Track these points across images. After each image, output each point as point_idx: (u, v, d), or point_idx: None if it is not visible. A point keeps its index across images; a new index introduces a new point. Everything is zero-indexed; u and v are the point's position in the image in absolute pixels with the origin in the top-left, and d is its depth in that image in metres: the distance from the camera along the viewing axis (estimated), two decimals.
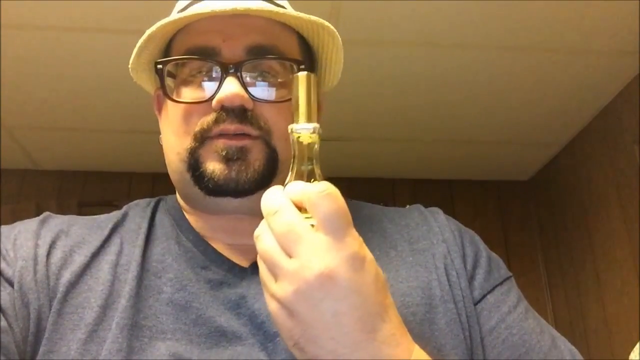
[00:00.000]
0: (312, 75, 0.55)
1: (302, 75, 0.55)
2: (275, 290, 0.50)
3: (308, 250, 0.49)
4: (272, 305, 0.51)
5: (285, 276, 0.49)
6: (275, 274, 0.51)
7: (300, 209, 0.52)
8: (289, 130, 0.55)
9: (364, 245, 0.52)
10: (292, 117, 0.55)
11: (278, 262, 0.50)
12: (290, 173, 0.55)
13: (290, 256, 0.50)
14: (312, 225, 0.50)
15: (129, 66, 0.74)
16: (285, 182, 0.54)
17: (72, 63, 2.09)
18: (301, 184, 0.53)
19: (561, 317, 2.74)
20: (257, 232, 0.53)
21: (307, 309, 0.49)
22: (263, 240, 0.52)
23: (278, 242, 0.51)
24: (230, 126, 0.67)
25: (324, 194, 0.50)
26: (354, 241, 0.51)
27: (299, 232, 0.50)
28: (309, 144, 0.54)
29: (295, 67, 0.70)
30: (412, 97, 2.36)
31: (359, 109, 2.44)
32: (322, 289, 0.48)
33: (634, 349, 1.69)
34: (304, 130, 0.54)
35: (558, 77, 2.23)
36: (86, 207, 2.73)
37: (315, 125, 0.54)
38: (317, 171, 0.54)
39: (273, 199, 0.52)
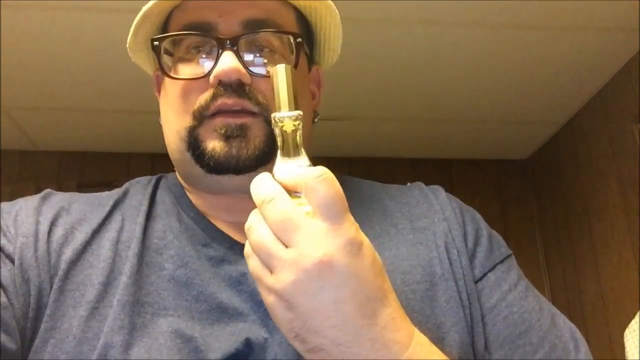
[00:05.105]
0: (290, 67, 0.55)
1: (280, 67, 0.55)
2: (272, 283, 0.49)
3: (306, 238, 0.48)
4: (270, 299, 0.50)
5: (283, 267, 0.49)
6: (271, 265, 0.50)
7: (290, 193, 0.51)
8: (272, 119, 0.55)
9: (360, 230, 0.52)
10: (274, 108, 0.55)
11: (275, 252, 0.49)
12: (277, 160, 0.55)
13: (286, 246, 0.49)
14: (307, 213, 0.50)
15: (127, 45, 0.74)
16: (274, 169, 0.54)
17: (70, 43, 2.08)
18: (293, 168, 0.53)
19: (558, 293, 2.76)
20: (248, 223, 0.52)
21: (306, 298, 0.48)
22: (257, 231, 0.51)
23: (274, 232, 0.50)
24: (229, 100, 0.66)
25: (321, 179, 0.50)
26: (351, 226, 0.50)
27: (296, 221, 0.49)
28: (292, 131, 0.54)
29: (292, 40, 0.69)
30: (411, 76, 2.35)
31: (358, 88, 2.43)
32: (321, 277, 0.48)
33: (630, 324, 1.70)
34: (287, 117, 0.54)
35: (557, 55, 2.22)
36: (86, 187, 2.74)
37: (299, 112, 0.54)
38: (304, 157, 0.54)
39: (265, 186, 0.52)
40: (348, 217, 0.50)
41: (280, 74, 0.55)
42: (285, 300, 0.49)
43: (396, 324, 0.51)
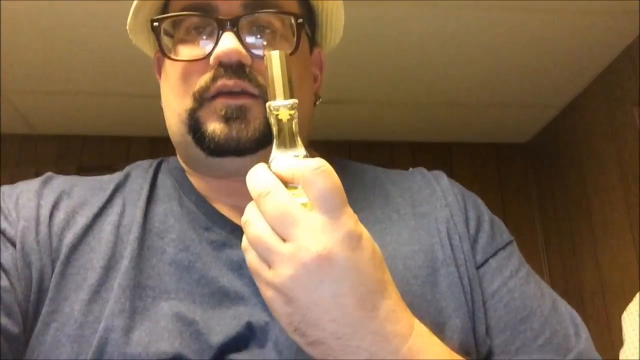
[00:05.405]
0: (285, 53, 0.55)
1: (274, 53, 0.54)
2: (271, 278, 0.49)
3: (304, 232, 0.48)
4: (268, 294, 0.50)
5: (282, 261, 0.48)
6: (269, 260, 0.49)
7: (287, 185, 0.51)
8: (267, 108, 0.54)
9: (359, 222, 0.51)
10: (269, 96, 0.54)
11: (273, 247, 0.49)
12: (273, 150, 0.54)
13: (284, 240, 0.49)
14: (303, 204, 0.50)
15: (127, 27, 0.73)
16: (270, 160, 0.53)
17: (69, 26, 2.07)
18: (289, 159, 0.52)
19: (557, 278, 2.77)
20: (245, 217, 0.52)
21: (305, 293, 0.48)
22: (254, 225, 0.50)
23: (271, 226, 0.49)
24: (229, 81, 0.65)
25: (319, 171, 0.49)
26: (350, 219, 0.50)
27: (294, 214, 0.49)
28: (288, 120, 0.54)
29: (293, 21, 0.69)
30: (411, 59, 2.35)
31: (358, 71, 2.42)
32: (320, 271, 0.48)
33: (627, 307, 1.71)
34: (283, 106, 0.53)
35: (558, 38, 2.21)
36: (85, 171, 2.74)
37: (294, 100, 0.54)
38: (300, 147, 0.54)
39: (261, 179, 0.51)
40: (347, 209, 0.50)
41: (275, 60, 0.54)
42: (284, 294, 0.49)
43: (396, 316, 0.51)
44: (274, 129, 0.54)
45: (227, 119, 0.66)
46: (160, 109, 0.75)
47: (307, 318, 0.49)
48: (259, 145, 0.66)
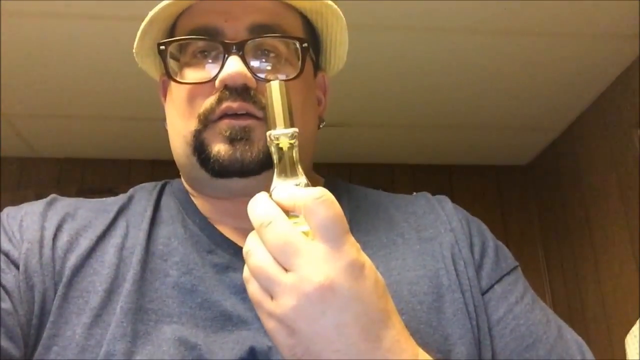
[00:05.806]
0: (284, 83, 0.55)
1: (274, 83, 0.55)
2: (273, 309, 0.48)
3: (306, 262, 0.47)
4: (270, 325, 0.49)
5: (284, 292, 0.48)
6: (271, 290, 0.49)
7: (288, 214, 0.50)
8: (267, 137, 0.54)
9: (361, 251, 0.51)
10: (269, 126, 0.54)
11: (275, 277, 0.48)
12: (274, 179, 0.54)
13: (286, 270, 0.48)
14: (305, 232, 0.49)
15: (134, 50, 0.74)
16: (271, 189, 0.53)
17: (70, 50, 2.08)
18: (290, 188, 0.52)
19: (559, 301, 2.75)
20: (246, 247, 0.51)
21: (308, 324, 0.47)
22: (256, 255, 0.50)
23: (273, 257, 0.49)
24: (233, 104, 0.66)
25: (320, 201, 0.48)
26: (352, 248, 0.49)
27: (296, 244, 0.48)
28: (289, 148, 0.54)
29: (298, 45, 0.70)
30: (411, 82, 2.36)
31: (358, 94, 2.43)
32: (323, 301, 0.47)
33: (631, 330, 1.70)
34: (283, 135, 0.54)
35: (557, 61, 2.22)
36: (86, 194, 2.73)
37: (294, 129, 0.54)
38: (301, 175, 0.54)
39: (262, 208, 0.51)
40: (349, 238, 0.49)
41: (275, 90, 0.54)
42: (287, 325, 0.48)
43: (400, 346, 0.50)
44: (275, 158, 0.54)
45: (231, 140, 0.66)
46: (160, 132, 0.75)
47: (310, 350, 0.48)
48: (262, 166, 0.66)
